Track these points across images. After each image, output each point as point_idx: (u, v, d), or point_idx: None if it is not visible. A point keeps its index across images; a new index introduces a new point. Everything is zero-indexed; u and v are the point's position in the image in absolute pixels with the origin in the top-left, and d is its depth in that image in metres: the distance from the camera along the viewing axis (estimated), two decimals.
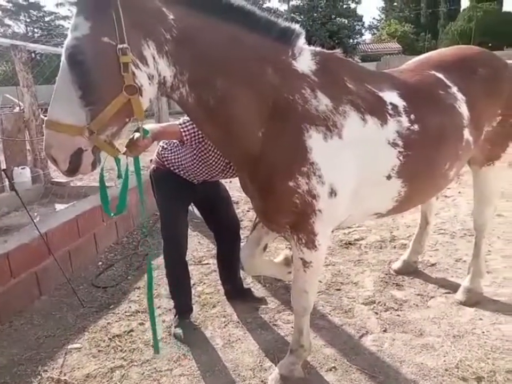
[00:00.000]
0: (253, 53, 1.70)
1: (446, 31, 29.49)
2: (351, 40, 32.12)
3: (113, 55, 1.44)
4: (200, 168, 2.42)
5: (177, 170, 2.48)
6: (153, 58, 1.53)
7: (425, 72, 2.19)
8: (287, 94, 1.71)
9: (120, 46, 1.44)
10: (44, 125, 1.53)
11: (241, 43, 1.67)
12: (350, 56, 29.85)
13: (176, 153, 2.46)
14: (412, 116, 1.94)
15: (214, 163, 2.39)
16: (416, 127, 1.94)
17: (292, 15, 29.67)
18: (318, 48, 1.92)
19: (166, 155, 2.50)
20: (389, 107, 1.90)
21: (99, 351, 2.49)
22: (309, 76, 1.77)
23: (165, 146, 2.52)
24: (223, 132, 1.76)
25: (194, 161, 2.40)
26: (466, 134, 2.13)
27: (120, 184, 1.84)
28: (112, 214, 1.92)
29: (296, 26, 1.80)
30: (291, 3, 30.62)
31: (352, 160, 1.81)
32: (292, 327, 2.29)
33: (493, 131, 2.35)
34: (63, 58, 1.48)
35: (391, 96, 1.94)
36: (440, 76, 2.16)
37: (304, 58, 1.80)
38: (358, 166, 1.82)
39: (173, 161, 2.47)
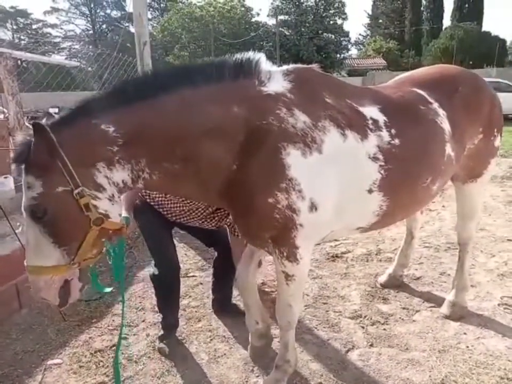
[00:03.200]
0: (208, 104, 1.67)
1: (429, 48, 30.30)
2: (338, 55, 32.79)
3: (72, 199, 1.48)
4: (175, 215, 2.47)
5: (156, 206, 2.48)
6: (107, 177, 1.55)
7: (407, 88, 2.23)
8: (258, 121, 1.70)
9: (76, 190, 1.47)
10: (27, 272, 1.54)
11: (191, 103, 1.65)
12: (337, 71, 30.51)
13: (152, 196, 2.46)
14: (393, 130, 1.95)
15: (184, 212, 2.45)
16: (397, 141, 1.95)
17: (280, 29, 30.15)
18: (293, 65, 1.92)
19: (143, 193, 2.47)
20: (369, 122, 1.91)
21: (80, 366, 2.42)
22: (284, 95, 1.76)
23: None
24: (196, 185, 1.76)
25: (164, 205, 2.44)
26: (448, 149, 2.16)
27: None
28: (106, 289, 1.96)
29: (251, 54, 1.78)
30: (279, 18, 31.14)
31: (332, 175, 1.81)
32: (278, 342, 2.27)
33: (475, 148, 2.40)
34: (25, 215, 1.50)
35: (371, 111, 1.95)
36: (422, 92, 2.20)
37: (276, 80, 1.79)
38: (339, 181, 1.83)
39: (150, 198, 2.47)
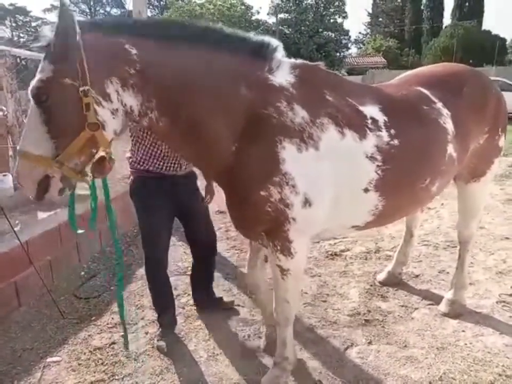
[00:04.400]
0: (223, 74, 1.73)
1: (429, 46, 30.22)
2: (338, 54, 32.72)
3: (76, 95, 1.53)
4: (158, 157, 2.43)
5: (146, 166, 2.44)
6: (117, 92, 1.60)
7: (411, 87, 2.22)
8: (261, 109, 1.74)
9: (81, 88, 1.52)
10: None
11: (209, 66, 1.71)
12: (337, 69, 30.49)
13: (136, 152, 2.46)
14: (392, 131, 1.96)
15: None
16: (396, 142, 1.95)
17: (280, 27, 30.10)
18: (300, 61, 1.94)
19: (132, 160, 2.49)
20: (369, 121, 1.92)
21: (79, 364, 2.42)
22: (286, 89, 1.79)
23: (129, 154, 2.53)
24: (196, 150, 1.81)
25: (150, 151, 2.42)
26: (450, 149, 2.15)
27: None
28: (79, 231, 1.91)
29: (272, 40, 1.82)
30: (279, 16, 31.08)
31: (328, 172, 1.82)
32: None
33: (480, 148, 2.40)
34: (30, 97, 1.56)
35: (372, 111, 1.96)
36: (426, 91, 2.20)
37: (283, 72, 1.82)
38: (335, 178, 1.84)
39: (138, 159, 2.46)
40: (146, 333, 2.71)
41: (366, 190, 1.93)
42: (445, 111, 2.17)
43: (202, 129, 1.73)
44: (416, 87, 2.23)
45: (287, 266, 1.93)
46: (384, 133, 1.94)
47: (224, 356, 2.46)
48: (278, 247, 1.90)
